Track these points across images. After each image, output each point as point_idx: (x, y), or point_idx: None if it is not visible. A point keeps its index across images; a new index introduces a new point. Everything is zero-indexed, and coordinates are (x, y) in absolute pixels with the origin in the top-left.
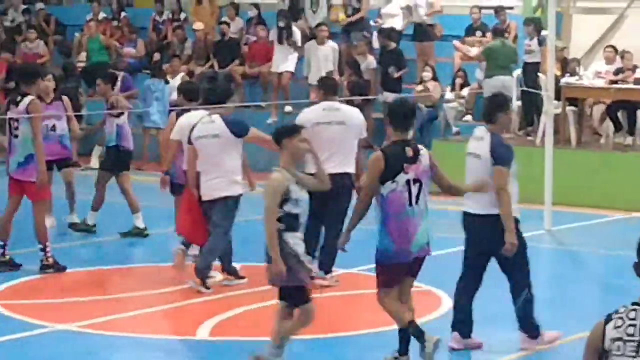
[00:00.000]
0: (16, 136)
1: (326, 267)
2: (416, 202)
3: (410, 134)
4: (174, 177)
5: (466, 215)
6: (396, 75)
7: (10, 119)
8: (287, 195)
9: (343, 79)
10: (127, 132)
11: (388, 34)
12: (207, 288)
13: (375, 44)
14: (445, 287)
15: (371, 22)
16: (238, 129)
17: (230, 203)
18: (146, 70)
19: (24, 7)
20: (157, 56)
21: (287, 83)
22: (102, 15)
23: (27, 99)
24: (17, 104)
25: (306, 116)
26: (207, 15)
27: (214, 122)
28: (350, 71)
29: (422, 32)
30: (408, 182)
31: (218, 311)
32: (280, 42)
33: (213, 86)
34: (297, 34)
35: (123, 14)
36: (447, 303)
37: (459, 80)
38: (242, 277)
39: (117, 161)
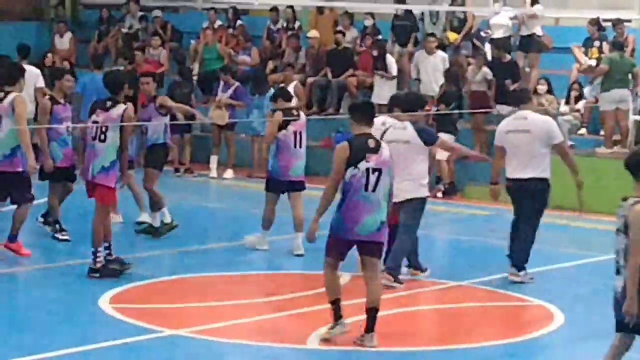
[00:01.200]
0: (103, 140)
1: (520, 263)
2: (373, 190)
3: (372, 129)
4: (273, 173)
5: None
6: (512, 87)
7: (95, 122)
8: None
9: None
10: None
11: (502, 45)
12: (400, 283)
13: (488, 55)
14: (558, 303)
15: (482, 33)
16: (428, 138)
17: (418, 204)
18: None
19: (141, 14)
20: (271, 64)
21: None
22: (218, 23)
23: (120, 107)
24: (107, 109)
25: (500, 126)
26: (327, 24)
27: (405, 128)
28: (447, 81)
29: (528, 42)
30: (368, 170)
31: (329, 320)
32: (373, 72)
33: (406, 95)
34: (392, 64)
35: (239, 22)
36: (558, 319)
37: (574, 93)
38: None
39: (162, 158)
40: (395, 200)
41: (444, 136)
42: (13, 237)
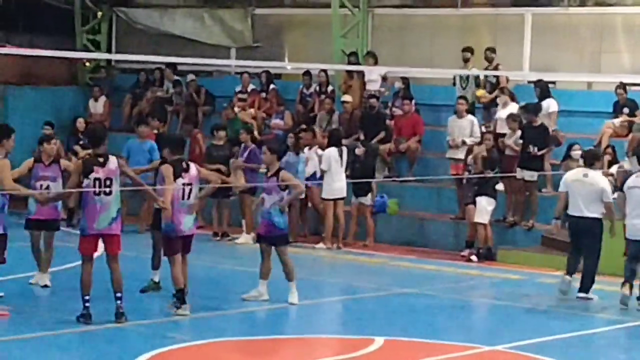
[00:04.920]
0: (109, 194)
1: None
2: (188, 198)
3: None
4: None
5: None
6: (538, 153)
7: (96, 179)
8: None
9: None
10: None
11: (534, 109)
12: None
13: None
14: None
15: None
16: None
17: None
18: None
19: (174, 78)
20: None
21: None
22: (251, 87)
23: (112, 159)
24: (102, 164)
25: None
26: (357, 87)
27: None
28: (487, 145)
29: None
30: (184, 184)
31: None
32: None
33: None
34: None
35: (271, 86)
36: None
37: (607, 157)
38: None
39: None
40: (634, 238)
41: (482, 200)
42: None
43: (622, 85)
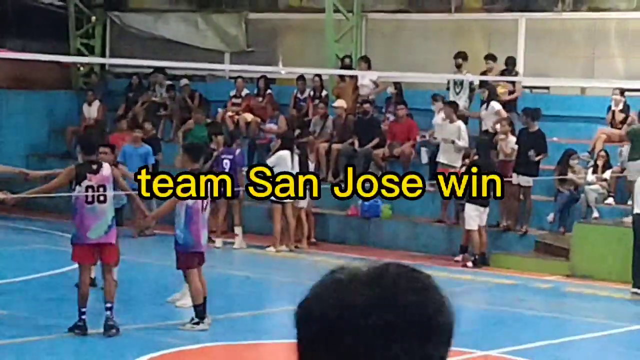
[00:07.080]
0: (103, 201)
1: None
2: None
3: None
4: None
5: None
6: (536, 159)
7: (88, 187)
8: None
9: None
10: None
11: (532, 114)
12: None
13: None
14: None
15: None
16: None
17: None
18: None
19: (168, 83)
20: (297, 133)
21: None
22: (245, 91)
23: (106, 166)
24: (95, 172)
25: None
26: (349, 92)
27: None
28: (474, 150)
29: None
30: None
31: None
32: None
33: None
34: None
35: (268, 90)
36: None
37: (600, 162)
38: None
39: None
40: None
41: (467, 207)
42: None
43: (620, 90)
